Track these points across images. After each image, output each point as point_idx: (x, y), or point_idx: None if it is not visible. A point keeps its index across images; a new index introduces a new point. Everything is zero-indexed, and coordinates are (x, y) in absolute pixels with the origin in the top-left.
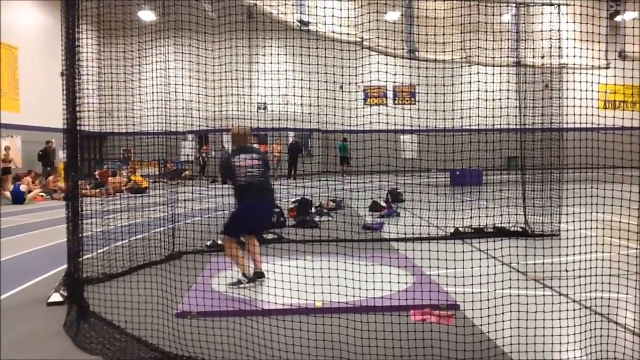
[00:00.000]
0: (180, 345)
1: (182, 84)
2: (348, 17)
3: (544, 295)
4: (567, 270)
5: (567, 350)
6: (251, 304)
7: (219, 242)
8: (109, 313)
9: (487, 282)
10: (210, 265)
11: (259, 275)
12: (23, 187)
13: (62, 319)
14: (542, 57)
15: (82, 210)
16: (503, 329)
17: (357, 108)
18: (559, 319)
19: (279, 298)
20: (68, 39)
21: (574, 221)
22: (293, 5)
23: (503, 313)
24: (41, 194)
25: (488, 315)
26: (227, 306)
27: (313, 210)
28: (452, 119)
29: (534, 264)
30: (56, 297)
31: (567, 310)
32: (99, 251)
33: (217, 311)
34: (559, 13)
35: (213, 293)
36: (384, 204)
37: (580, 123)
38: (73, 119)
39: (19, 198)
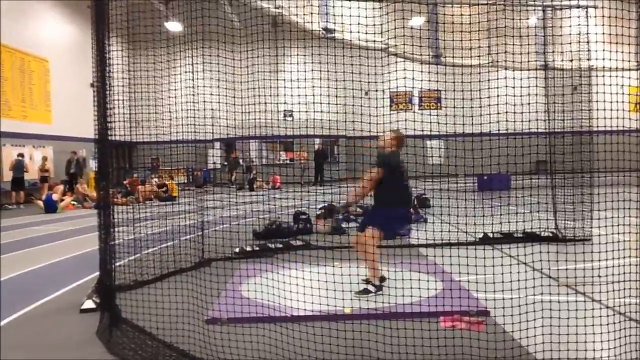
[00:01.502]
0: (211, 351)
1: (210, 93)
2: (374, 25)
3: (576, 301)
4: (599, 276)
5: (601, 357)
6: (281, 310)
7: (248, 248)
8: (140, 320)
9: (518, 288)
10: (239, 272)
11: (383, 279)
12: (55, 197)
13: (95, 326)
14: (571, 60)
15: (113, 219)
16: (535, 335)
17: (383, 115)
18: (592, 325)
19: (308, 304)
20: (98, 50)
21: (605, 226)
22: (318, 13)
23: (535, 319)
24: (72, 202)
25: (520, 322)
26: (257, 312)
27: (340, 216)
28: (480, 124)
29: (566, 269)
30: (89, 304)
31: (600, 316)
32: (130, 258)
33: (247, 317)
34: (587, 16)
35: (243, 300)
36: (411, 210)
37: (611, 126)
38: (104, 129)
39: (51, 207)
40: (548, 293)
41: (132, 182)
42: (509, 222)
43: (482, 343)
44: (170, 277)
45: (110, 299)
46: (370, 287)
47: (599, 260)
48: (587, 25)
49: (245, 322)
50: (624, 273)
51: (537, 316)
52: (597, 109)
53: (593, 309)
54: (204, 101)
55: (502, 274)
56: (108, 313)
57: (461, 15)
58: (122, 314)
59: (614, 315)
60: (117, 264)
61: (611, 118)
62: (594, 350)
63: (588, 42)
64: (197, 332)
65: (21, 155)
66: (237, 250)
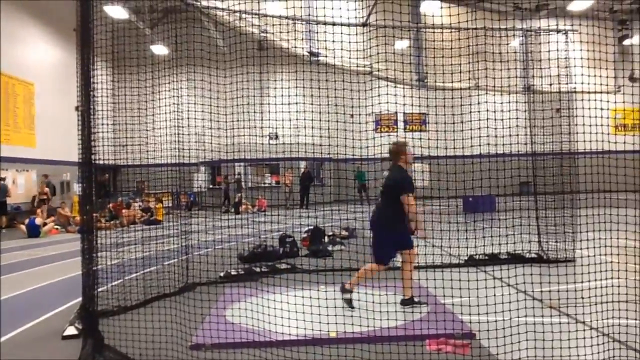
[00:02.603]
0: None
1: (195, 117)
2: (357, 50)
3: (559, 323)
4: (582, 297)
5: None
6: (265, 335)
7: (233, 272)
8: (124, 346)
9: (502, 311)
10: (224, 296)
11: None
12: (38, 221)
13: (77, 353)
14: (550, 84)
15: (97, 243)
16: (520, 358)
17: (367, 139)
18: (577, 346)
19: (292, 329)
20: (83, 74)
21: (587, 247)
22: (303, 39)
23: (520, 342)
24: (56, 227)
25: (505, 345)
26: (242, 337)
27: (326, 239)
28: (462, 147)
29: (549, 291)
30: (71, 331)
31: (585, 337)
32: (113, 284)
33: (231, 343)
34: (566, 41)
35: (227, 324)
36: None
37: (590, 149)
38: (88, 153)
39: (34, 231)
40: (532, 315)
41: (116, 206)
42: (492, 244)
43: None
44: (154, 302)
45: (93, 325)
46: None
47: (582, 282)
48: (567, 51)
49: (229, 348)
50: (607, 294)
51: (523, 338)
52: (577, 132)
53: (577, 330)
54: (189, 125)
55: (486, 296)
56: (91, 339)
57: (442, 41)
58: (106, 340)
59: (598, 336)
60: (101, 289)
61: (592, 141)
62: None
63: (567, 67)
64: (181, 359)
65: (2, 179)
66: (222, 274)
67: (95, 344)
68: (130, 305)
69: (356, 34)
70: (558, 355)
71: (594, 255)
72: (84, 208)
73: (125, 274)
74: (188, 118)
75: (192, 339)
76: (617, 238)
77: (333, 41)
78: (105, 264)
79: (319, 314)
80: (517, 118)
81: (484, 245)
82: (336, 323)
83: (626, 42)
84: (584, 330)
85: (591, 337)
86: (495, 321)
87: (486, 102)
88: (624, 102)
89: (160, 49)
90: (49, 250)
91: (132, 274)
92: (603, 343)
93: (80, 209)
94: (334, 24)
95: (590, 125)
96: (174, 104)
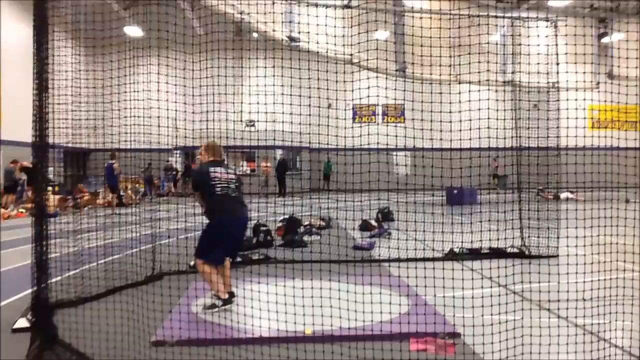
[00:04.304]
0: None
1: (168, 100)
2: (335, 36)
3: (540, 318)
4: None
5: None
6: (234, 332)
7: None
8: (81, 338)
9: (482, 305)
10: (195, 286)
11: (232, 295)
12: None
13: (27, 347)
14: (537, 73)
15: (47, 229)
16: (507, 357)
17: (345, 128)
18: (558, 344)
19: (264, 324)
20: (38, 48)
21: (567, 245)
22: (282, 22)
23: (507, 340)
24: (21, 210)
25: (492, 342)
26: (208, 333)
27: (302, 229)
28: (440, 139)
29: (530, 286)
30: (22, 323)
31: (569, 335)
32: (72, 272)
33: (196, 339)
34: (555, 29)
35: (194, 319)
36: (375, 223)
37: (567, 145)
38: (41, 134)
39: None
40: (512, 311)
41: (78, 192)
42: (472, 240)
43: None
44: (117, 292)
45: (45, 318)
46: (217, 301)
47: (568, 279)
48: (556, 45)
49: (195, 345)
50: (592, 290)
51: (508, 336)
52: (559, 127)
53: (559, 326)
54: (159, 108)
55: (473, 289)
56: (42, 333)
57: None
58: (60, 334)
59: (584, 334)
60: (58, 277)
61: (568, 136)
62: None
63: (555, 55)
64: (141, 355)
65: None
66: (192, 263)
67: (46, 338)
68: (90, 295)
69: (335, 18)
70: (545, 352)
71: (575, 254)
72: (37, 192)
73: (87, 262)
74: (160, 100)
75: (156, 334)
76: (598, 235)
77: (317, 25)
78: (64, 251)
79: (294, 305)
80: (496, 109)
81: (461, 241)
82: (313, 315)
83: (605, 39)
84: (567, 326)
85: (575, 335)
86: (482, 316)
87: (469, 91)
88: (599, 100)
89: (134, 31)
90: (9, 235)
91: (94, 262)
92: (590, 342)
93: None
94: (316, 5)
95: (567, 119)
96: (146, 90)
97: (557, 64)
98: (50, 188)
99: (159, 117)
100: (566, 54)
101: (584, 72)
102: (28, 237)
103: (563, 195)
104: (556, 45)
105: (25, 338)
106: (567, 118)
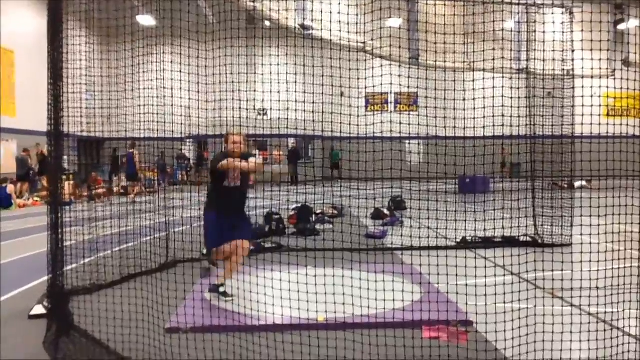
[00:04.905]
0: None
1: (181, 89)
2: (348, 24)
3: (553, 306)
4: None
5: None
6: (248, 319)
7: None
8: (96, 324)
9: (495, 294)
10: (209, 274)
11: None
12: (10, 189)
13: (43, 333)
14: (553, 60)
15: (62, 217)
16: (520, 345)
17: (358, 116)
18: (571, 332)
19: (277, 311)
20: (53, 39)
21: (582, 234)
22: (295, 9)
23: (519, 328)
24: (36, 198)
25: (504, 330)
26: (221, 320)
27: (314, 217)
28: (454, 127)
29: (543, 275)
30: (39, 310)
31: (581, 323)
32: (88, 260)
33: (210, 326)
34: (571, 15)
35: (207, 306)
36: (387, 212)
37: (582, 133)
38: (57, 122)
39: (4, 202)
40: (525, 299)
41: (93, 180)
42: (484, 228)
43: (463, 352)
44: (131, 279)
45: (61, 304)
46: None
47: (582, 267)
48: (572, 32)
49: (209, 332)
50: (606, 277)
51: (521, 324)
52: (574, 115)
53: (572, 314)
54: (177, 97)
55: (477, 277)
56: (58, 320)
57: (441, 15)
58: (76, 320)
59: (597, 322)
60: (74, 265)
61: (583, 124)
62: (579, 358)
63: (571, 42)
64: (155, 341)
65: None
66: (204, 251)
67: (62, 325)
68: (105, 283)
69: (348, 5)
70: (558, 340)
71: (592, 243)
72: (52, 180)
73: (102, 250)
74: (172, 89)
75: (169, 322)
76: (612, 224)
77: (330, 12)
78: (80, 239)
79: (307, 293)
80: (510, 97)
81: (474, 230)
82: (326, 303)
83: (621, 26)
84: (581, 315)
85: (588, 323)
86: (491, 304)
87: (484, 79)
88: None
89: (147, 20)
90: (25, 223)
91: (109, 250)
92: (603, 331)
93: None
94: None
95: (582, 106)
96: (159, 78)
97: (573, 50)
98: (64, 176)
99: (172, 105)
100: (582, 40)
101: (600, 60)
102: (44, 225)
103: (577, 184)
104: (571, 32)
105: (42, 324)
106: (582, 105)
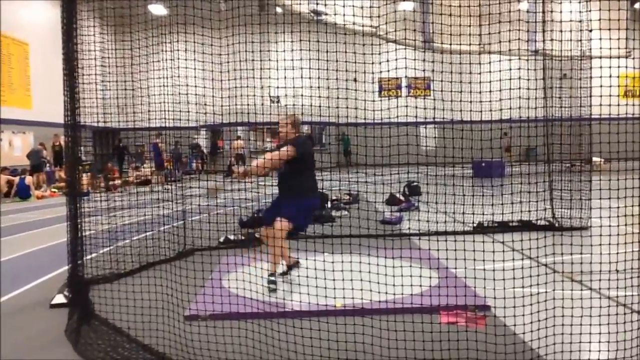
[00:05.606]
0: (189, 353)
1: (195, 77)
2: (362, 7)
3: (572, 290)
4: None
5: (607, 350)
6: (266, 306)
7: (232, 238)
8: (117, 312)
9: (514, 278)
10: (225, 263)
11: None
12: (28, 180)
13: (65, 322)
14: (569, 41)
15: (81, 207)
16: (539, 329)
17: (373, 101)
18: (590, 315)
19: (295, 298)
20: (67, 31)
21: (601, 217)
22: None
23: (538, 312)
24: (53, 190)
25: (523, 315)
26: (240, 307)
27: (329, 204)
28: (470, 110)
29: (562, 259)
30: (60, 299)
31: (601, 307)
32: (106, 249)
33: (230, 313)
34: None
35: (226, 293)
36: (402, 198)
37: (601, 114)
38: (73, 113)
39: (23, 193)
40: (544, 283)
41: (109, 171)
42: (502, 212)
43: (482, 338)
44: (149, 267)
45: (81, 293)
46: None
47: (601, 250)
48: (588, 11)
49: (227, 319)
50: (625, 260)
51: (539, 308)
52: (590, 96)
53: (591, 298)
54: (191, 85)
55: (494, 261)
56: (79, 309)
57: None
58: (96, 309)
59: (617, 306)
60: (93, 254)
61: (601, 105)
62: (599, 342)
63: (588, 24)
64: (175, 329)
65: None
66: (221, 239)
67: (82, 314)
68: (124, 272)
69: None
70: (576, 324)
71: (611, 225)
72: (70, 171)
73: (121, 239)
74: (187, 77)
75: (189, 309)
76: (632, 205)
77: None
78: (98, 229)
79: (325, 279)
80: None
81: (492, 213)
82: (344, 289)
83: (638, 5)
84: (600, 298)
85: (608, 307)
86: (513, 289)
87: (500, 61)
88: (633, 67)
89: (157, 9)
90: (44, 214)
91: (127, 240)
92: (623, 314)
93: (66, 172)
94: None
95: (601, 87)
96: (171, 68)
97: (590, 30)
98: (81, 167)
99: (187, 94)
100: (599, 19)
101: (618, 39)
102: (63, 216)
103: (595, 159)
104: (588, 11)
105: (63, 313)
106: (601, 86)
